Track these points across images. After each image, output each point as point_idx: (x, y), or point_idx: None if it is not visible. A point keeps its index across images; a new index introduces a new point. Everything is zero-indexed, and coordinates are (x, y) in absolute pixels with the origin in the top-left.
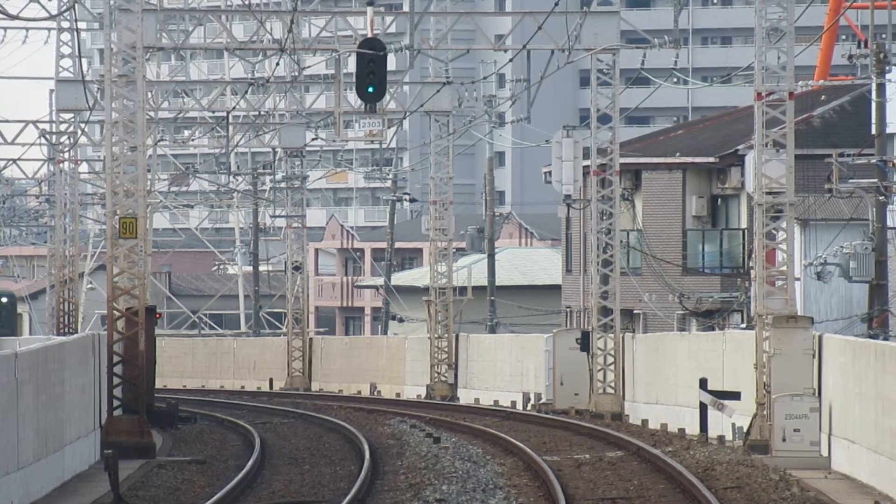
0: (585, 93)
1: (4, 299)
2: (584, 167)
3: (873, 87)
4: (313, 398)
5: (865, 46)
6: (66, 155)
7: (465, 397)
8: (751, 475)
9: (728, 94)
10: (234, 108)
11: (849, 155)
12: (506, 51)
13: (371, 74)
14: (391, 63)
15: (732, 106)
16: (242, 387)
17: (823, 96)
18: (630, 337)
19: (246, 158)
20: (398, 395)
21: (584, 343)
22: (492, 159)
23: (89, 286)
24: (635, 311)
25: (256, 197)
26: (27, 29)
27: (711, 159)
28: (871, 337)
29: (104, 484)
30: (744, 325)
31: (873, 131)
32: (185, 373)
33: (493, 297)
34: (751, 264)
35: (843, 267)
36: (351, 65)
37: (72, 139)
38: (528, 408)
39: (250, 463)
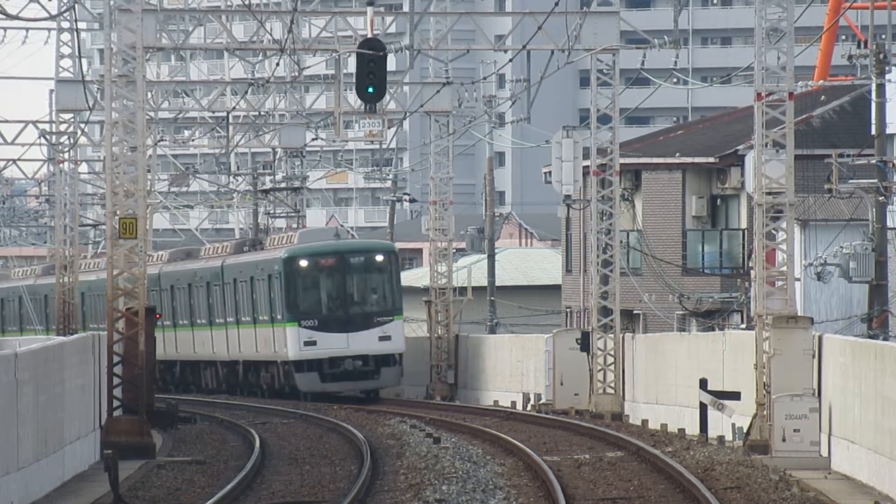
0: (585, 93)
1: (380, 257)
2: (584, 167)
3: (873, 87)
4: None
5: (865, 47)
6: (66, 155)
7: (464, 397)
8: (751, 475)
9: (728, 95)
10: (234, 108)
11: (849, 155)
12: (506, 51)
13: (371, 75)
14: (391, 63)
15: (732, 106)
16: None
17: (823, 96)
18: (630, 337)
19: (246, 158)
20: (398, 395)
21: (584, 343)
22: (492, 159)
23: None
24: (635, 312)
25: (256, 197)
26: (27, 29)
27: (711, 159)
28: (870, 337)
29: (104, 484)
30: (744, 326)
31: (873, 132)
32: None
33: (493, 297)
34: (751, 264)
35: (843, 267)
36: (351, 65)
37: (72, 139)
38: (528, 408)
39: (250, 463)
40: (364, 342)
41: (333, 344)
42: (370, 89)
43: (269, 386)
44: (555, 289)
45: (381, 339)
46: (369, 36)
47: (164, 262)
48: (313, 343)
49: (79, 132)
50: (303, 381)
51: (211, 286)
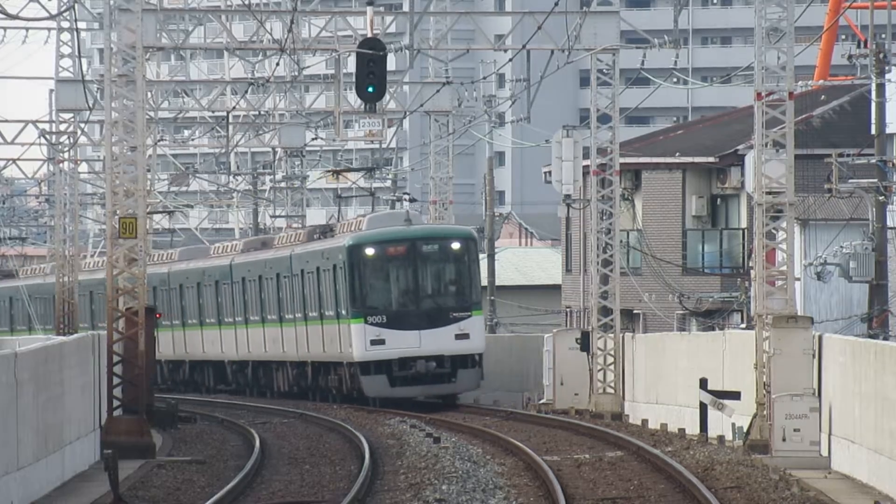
0: (585, 93)
1: (456, 244)
2: (584, 167)
3: (873, 87)
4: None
5: (865, 46)
6: (66, 155)
7: (464, 397)
8: (751, 475)
9: (728, 94)
10: (234, 108)
11: (848, 155)
12: (506, 51)
13: (371, 74)
14: (391, 63)
15: (732, 106)
16: None
17: (823, 96)
18: (630, 337)
19: (246, 158)
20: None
21: (584, 343)
22: (492, 159)
23: None
24: (635, 311)
25: (256, 197)
26: (27, 29)
27: (711, 159)
28: (870, 337)
29: (104, 484)
30: (744, 325)
31: (873, 131)
32: None
33: (493, 297)
34: (751, 264)
35: (843, 267)
36: (351, 65)
37: (72, 139)
38: (528, 408)
39: (250, 463)
40: (438, 341)
41: (404, 343)
42: (370, 89)
43: (338, 390)
44: (555, 289)
45: (458, 337)
46: (369, 36)
47: (238, 253)
48: (381, 342)
49: (79, 132)
50: (369, 385)
51: (280, 278)
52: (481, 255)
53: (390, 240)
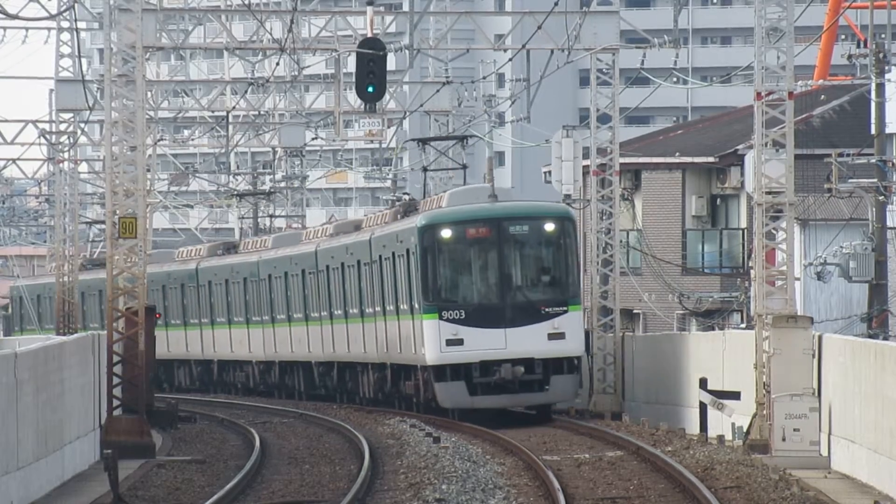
0: (585, 93)
1: (551, 225)
2: (584, 167)
3: (873, 87)
4: (313, 397)
5: (865, 46)
6: (66, 155)
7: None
8: (751, 475)
9: (728, 94)
10: (234, 107)
11: (848, 155)
12: (505, 51)
13: (371, 74)
14: (391, 63)
15: (732, 106)
16: None
17: (823, 96)
18: (630, 337)
19: (246, 158)
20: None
21: (584, 343)
22: (492, 159)
23: None
24: (635, 311)
25: (256, 197)
26: (27, 29)
27: (711, 159)
28: (870, 337)
29: (104, 484)
30: (744, 325)
31: (873, 131)
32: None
33: None
34: (751, 264)
35: (843, 267)
36: (351, 65)
37: (72, 139)
38: (528, 407)
39: (250, 463)
40: (528, 341)
41: (486, 343)
42: (370, 89)
43: (416, 398)
44: None
45: (552, 336)
46: (369, 35)
47: (327, 237)
48: (458, 342)
49: (79, 132)
50: (445, 393)
51: (361, 266)
52: None
53: (471, 219)
